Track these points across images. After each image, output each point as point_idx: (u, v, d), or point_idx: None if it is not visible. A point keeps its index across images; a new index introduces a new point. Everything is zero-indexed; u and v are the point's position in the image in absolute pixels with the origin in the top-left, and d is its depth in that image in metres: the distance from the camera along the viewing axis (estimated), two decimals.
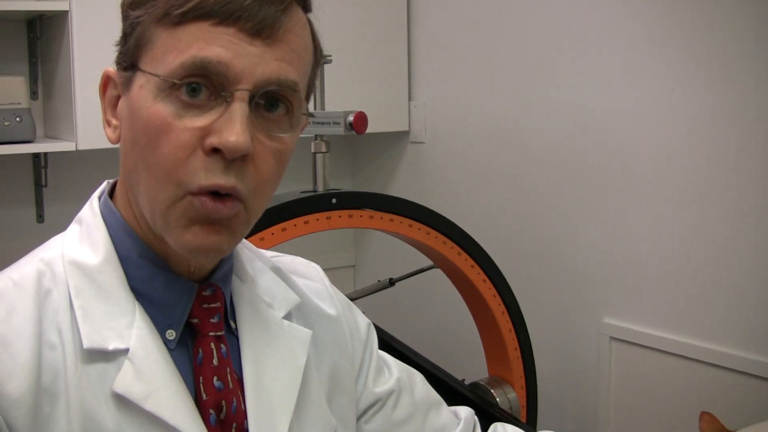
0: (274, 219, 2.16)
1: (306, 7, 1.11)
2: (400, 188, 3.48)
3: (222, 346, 1.12)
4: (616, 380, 2.67)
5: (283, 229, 2.17)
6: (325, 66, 2.38)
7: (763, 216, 2.24)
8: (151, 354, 1.05)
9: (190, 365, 1.10)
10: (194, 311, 1.11)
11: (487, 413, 2.31)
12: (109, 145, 1.13)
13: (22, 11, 2.84)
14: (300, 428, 1.17)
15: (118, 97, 1.09)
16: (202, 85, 1.00)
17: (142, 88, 1.03)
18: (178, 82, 1.00)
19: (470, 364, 2.96)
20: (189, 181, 1.01)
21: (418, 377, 1.46)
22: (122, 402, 1.02)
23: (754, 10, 2.22)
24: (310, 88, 1.14)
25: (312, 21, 1.12)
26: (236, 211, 1.03)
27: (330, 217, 2.26)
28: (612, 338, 2.65)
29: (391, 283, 2.72)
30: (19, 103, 2.76)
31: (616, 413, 2.67)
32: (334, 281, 1.42)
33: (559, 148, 2.79)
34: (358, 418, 1.34)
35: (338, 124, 2.27)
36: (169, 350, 1.08)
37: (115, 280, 1.07)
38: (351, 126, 2.26)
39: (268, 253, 1.35)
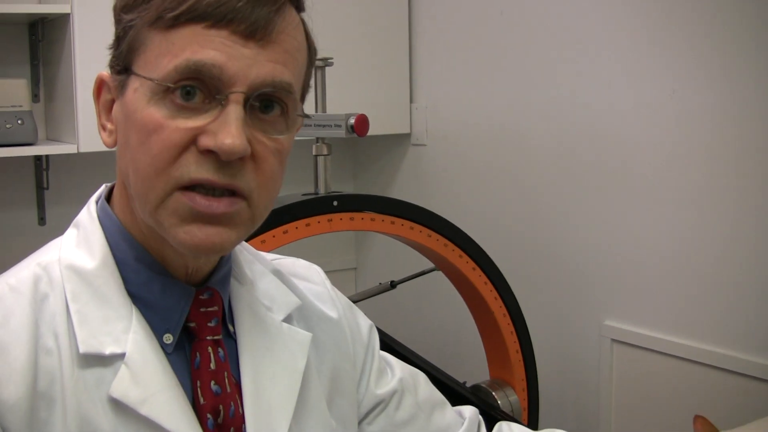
0: (276, 221, 2.15)
1: (299, 7, 1.10)
2: (401, 191, 3.48)
3: (220, 350, 1.12)
4: (617, 382, 2.66)
5: (285, 232, 2.17)
6: (327, 68, 2.38)
7: (764, 217, 2.23)
8: (147, 358, 1.05)
9: (187, 369, 1.10)
10: (191, 315, 1.11)
11: (489, 415, 2.31)
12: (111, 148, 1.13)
13: (24, 14, 2.84)
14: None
15: (113, 101, 1.09)
16: (196, 88, 1.00)
17: (136, 92, 1.02)
18: (172, 85, 1.00)
19: (471, 367, 2.96)
20: (179, 176, 1.00)
21: (422, 377, 1.45)
22: (119, 407, 1.02)
23: (754, 11, 2.21)
24: (305, 89, 1.14)
25: (305, 20, 1.12)
26: (237, 208, 1.03)
27: (331, 220, 2.26)
28: (613, 340, 2.65)
29: (393, 285, 2.71)
30: (20, 106, 2.76)
31: (618, 415, 2.67)
32: (336, 284, 1.42)
33: (560, 150, 2.79)
34: (361, 420, 1.33)
35: (339, 126, 2.27)
36: (167, 354, 1.08)
37: (112, 285, 1.07)
38: (352, 128, 2.26)
39: (269, 256, 1.35)
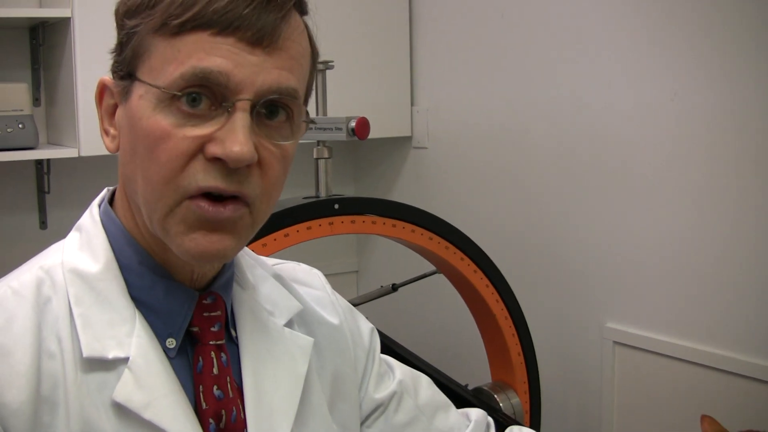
0: (277, 225, 2.15)
1: (303, 11, 1.10)
2: (402, 193, 3.48)
3: (222, 354, 1.12)
4: (619, 385, 2.66)
5: (286, 235, 2.17)
6: (327, 71, 2.38)
7: (765, 218, 2.23)
8: (151, 363, 1.05)
9: (190, 374, 1.10)
10: (195, 319, 1.11)
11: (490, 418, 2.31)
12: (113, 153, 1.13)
13: (25, 18, 2.85)
14: None
15: (116, 106, 1.09)
16: (202, 95, 1.00)
17: (142, 98, 1.02)
18: (178, 93, 0.99)
19: (473, 369, 2.96)
20: (187, 185, 1.00)
21: (424, 380, 1.45)
22: (122, 411, 1.02)
23: (754, 12, 2.21)
24: (308, 92, 1.14)
25: (308, 23, 1.12)
26: (240, 213, 1.03)
27: (332, 223, 2.26)
28: (615, 342, 2.65)
29: (394, 288, 2.71)
30: (21, 110, 2.76)
31: (620, 418, 2.66)
32: (337, 287, 1.42)
33: (561, 152, 2.79)
34: (361, 423, 1.33)
35: (340, 129, 2.27)
36: (170, 359, 1.08)
37: (116, 288, 1.07)
38: (353, 131, 2.26)
39: (270, 261, 1.35)
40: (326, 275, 1.41)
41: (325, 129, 2.30)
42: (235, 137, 0.99)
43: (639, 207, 2.55)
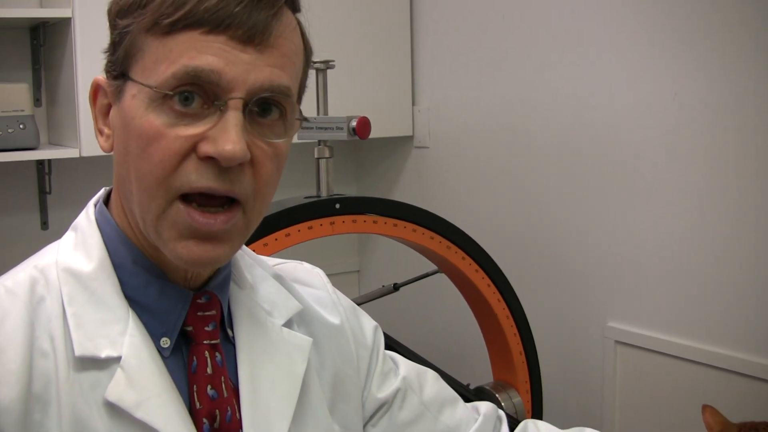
0: (278, 224, 2.15)
1: (295, 8, 1.10)
2: (403, 193, 3.48)
3: (217, 354, 1.11)
4: (621, 384, 2.66)
5: (287, 235, 2.17)
6: (328, 71, 2.38)
7: (765, 218, 2.23)
8: (144, 362, 1.05)
9: (184, 373, 1.10)
10: (189, 319, 1.10)
11: None
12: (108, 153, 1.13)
13: (25, 18, 2.84)
14: None
15: (110, 106, 1.09)
16: (194, 93, 1.00)
17: (134, 98, 1.02)
18: (170, 93, 0.99)
19: (475, 369, 2.96)
20: (180, 185, 1.00)
21: (431, 375, 1.43)
22: (114, 410, 1.02)
23: (754, 12, 2.21)
24: (302, 90, 1.14)
25: (302, 20, 1.12)
26: (233, 223, 1.03)
27: (334, 223, 2.26)
28: (617, 342, 2.65)
29: (396, 288, 2.71)
30: (22, 110, 2.76)
31: (622, 417, 2.66)
32: (339, 286, 1.41)
33: (563, 152, 2.79)
34: (366, 423, 1.33)
35: (341, 129, 2.27)
36: (164, 358, 1.08)
37: (109, 288, 1.07)
38: (354, 131, 2.26)
39: (271, 261, 1.34)
40: (327, 275, 1.41)
41: (326, 128, 2.30)
42: (228, 136, 0.99)
43: (640, 206, 2.54)
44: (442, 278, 2.63)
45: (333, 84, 2.42)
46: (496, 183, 3.07)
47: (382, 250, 3.69)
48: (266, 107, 1.04)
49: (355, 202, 2.33)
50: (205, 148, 0.99)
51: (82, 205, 1.17)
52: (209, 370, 1.10)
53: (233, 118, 1.00)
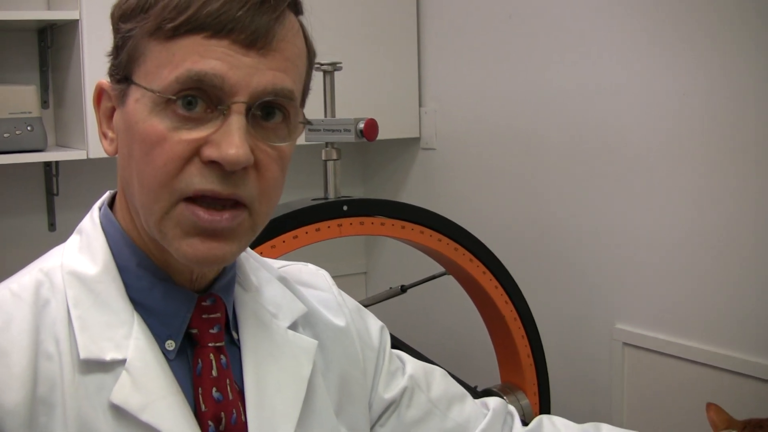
0: (285, 227, 2.15)
1: (298, 11, 1.10)
2: (411, 195, 3.47)
3: (222, 356, 1.11)
4: (629, 386, 2.65)
5: (295, 237, 2.17)
6: (336, 73, 2.38)
7: None
8: (149, 365, 1.05)
9: (189, 376, 1.10)
10: (193, 321, 1.10)
11: None
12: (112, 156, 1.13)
13: (33, 20, 2.85)
14: None
15: (113, 109, 1.09)
16: (198, 98, 1.00)
17: (138, 102, 1.02)
18: (173, 97, 1.00)
19: (482, 371, 2.95)
20: (184, 187, 1.00)
21: (438, 373, 1.43)
22: (119, 413, 1.02)
23: (764, 11, 2.21)
24: (305, 93, 1.14)
25: (304, 23, 1.12)
26: (239, 220, 1.03)
27: (341, 225, 2.26)
28: (625, 344, 2.64)
29: (403, 290, 2.71)
30: (30, 112, 2.76)
31: (630, 419, 2.65)
32: (346, 288, 1.41)
33: (570, 152, 2.79)
34: (374, 423, 1.32)
35: (349, 131, 2.27)
36: (169, 361, 1.08)
37: (114, 291, 1.07)
38: (362, 133, 2.27)
39: (276, 263, 1.34)
40: (335, 277, 1.40)
41: (333, 130, 2.30)
42: (231, 140, 0.99)
43: (648, 209, 2.54)
44: (450, 280, 2.63)
45: (340, 86, 2.42)
46: (503, 185, 3.06)
47: (389, 252, 3.68)
48: (269, 111, 1.04)
49: (363, 204, 2.33)
50: (209, 153, 0.99)
51: (89, 207, 1.17)
52: (214, 373, 1.10)
53: (236, 122, 1.00)
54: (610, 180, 2.65)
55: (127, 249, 1.10)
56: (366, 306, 2.01)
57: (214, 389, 1.09)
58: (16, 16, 2.75)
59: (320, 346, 1.24)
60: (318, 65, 2.29)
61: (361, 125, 2.26)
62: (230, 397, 1.10)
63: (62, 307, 1.05)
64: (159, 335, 1.08)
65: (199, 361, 1.10)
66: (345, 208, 2.26)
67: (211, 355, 1.10)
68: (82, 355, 1.02)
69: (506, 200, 3.05)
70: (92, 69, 2.72)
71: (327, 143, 2.35)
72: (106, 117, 1.11)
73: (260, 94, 1.01)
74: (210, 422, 1.08)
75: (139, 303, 1.08)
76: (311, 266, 1.39)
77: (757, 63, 2.22)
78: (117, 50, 1.07)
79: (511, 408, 1.48)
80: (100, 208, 1.16)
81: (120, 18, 1.06)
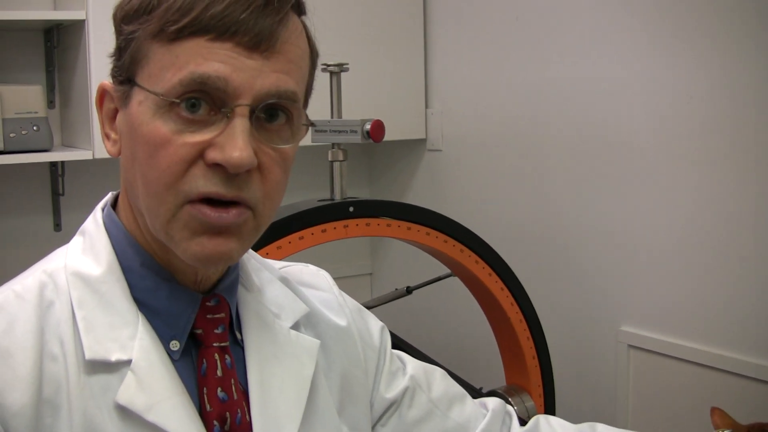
0: (292, 227, 2.15)
1: (301, 12, 1.10)
2: (417, 196, 3.47)
3: (226, 356, 1.12)
4: (634, 388, 2.65)
5: (300, 238, 2.17)
6: (342, 74, 2.38)
7: None
8: (154, 365, 1.05)
9: (194, 376, 1.10)
10: (198, 322, 1.11)
11: None
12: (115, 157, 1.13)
13: (39, 20, 2.85)
14: None
15: (116, 111, 1.09)
16: (201, 100, 1.00)
17: (141, 104, 1.02)
18: (177, 100, 1.00)
19: (488, 373, 2.95)
20: (188, 190, 1.00)
21: (438, 373, 1.44)
22: (125, 413, 1.02)
23: (759, 10, 2.21)
24: (309, 94, 1.14)
25: (307, 23, 1.11)
26: (244, 218, 1.03)
27: (347, 226, 2.26)
28: (630, 346, 2.64)
29: (409, 291, 2.71)
30: (36, 112, 2.77)
31: (634, 421, 2.65)
32: (351, 289, 1.41)
33: (576, 154, 2.79)
34: (375, 423, 1.33)
35: (355, 132, 2.27)
36: (173, 361, 1.08)
37: (118, 291, 1.07)
38: (368, 134, 2.27)
39: (277, 264, 1.34)
40: (340, 278, 1.41)
41: (340, 132, 2.30)
42: (235, 143, 0.99)
43: (654, 211, 2.54)
44: (455, 281, 2.63)
45: (347, 87, 2.42)
46: (509, 186, 3.06)
47: (395, 253, 3.68)
48: (273, 113, 1.04)
49: (369, 205, 2.33)
50: (213, 155, 0.99)
51: (95, 207, 1.17)
52: (219, 373, 1.10)
53: (240, 124, 1.00)
54: (616, 182, 2.65)
55: (131, 249, 1.10)
56: (371, 307, 2.01)
57: (219, 389, 1.09)
58: (22, 16, 2.75)
59: (322, 346, 1.24)
60: (325, 66, 2.29)
61: (368, 126, 2.26)
62: (235, 397, 1.10)
63: (66, 308, 1.05)
64: (163, 336, 1.08)
65: (204, 361, 1.10)
66: (351, 209, 2.26)
67: (216, 355, 1.10)
68: (88, 355, 1.02)
69: (512, 202, 3.05)
70: (98, 69, 2.72)
71: (333, 144, 2.35)
72: (109, 118, 1.11)
73: (264, 96, 1.01)
74: (215, 422, 1.08)
75: (143, 303, 1.08)
76: (312, 267, 1.40)
77: (758, 63, 2.22)
78: (119, 52, 1.07)
79: (509, 408, 1.49)
80: (102, 209, 1.16)
81: (122, 19, 1.06)
